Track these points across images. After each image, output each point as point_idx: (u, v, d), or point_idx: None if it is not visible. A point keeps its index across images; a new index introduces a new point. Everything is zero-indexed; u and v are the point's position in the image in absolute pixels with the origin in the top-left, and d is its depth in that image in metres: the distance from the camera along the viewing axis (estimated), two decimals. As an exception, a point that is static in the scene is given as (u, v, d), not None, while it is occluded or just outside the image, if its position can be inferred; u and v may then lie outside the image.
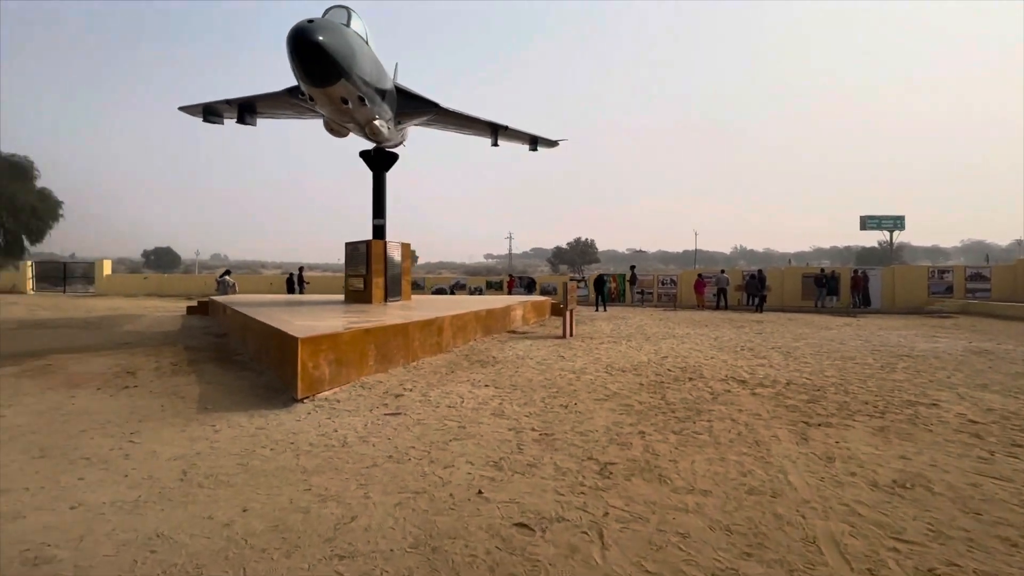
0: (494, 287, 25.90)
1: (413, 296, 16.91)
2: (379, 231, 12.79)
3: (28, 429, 4.20)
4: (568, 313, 10.52)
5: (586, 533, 2.58)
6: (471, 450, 3.81)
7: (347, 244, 12.28)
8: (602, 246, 76.61)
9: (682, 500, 2.95)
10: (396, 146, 14.54)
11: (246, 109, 10.66)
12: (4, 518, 2.71)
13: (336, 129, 8.92)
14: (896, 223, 41.48)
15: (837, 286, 20.14)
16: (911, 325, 13.66)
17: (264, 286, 27.02)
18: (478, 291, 25.79)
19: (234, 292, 19.17)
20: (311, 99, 8.10)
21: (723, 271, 21.04)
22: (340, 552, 2.39)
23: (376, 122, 8.90)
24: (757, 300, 18.93)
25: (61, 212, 42.17)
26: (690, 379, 6.36)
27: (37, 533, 2.55)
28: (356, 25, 8.44)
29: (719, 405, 5.12)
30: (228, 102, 10.63)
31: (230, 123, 12.30)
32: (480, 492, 3.05)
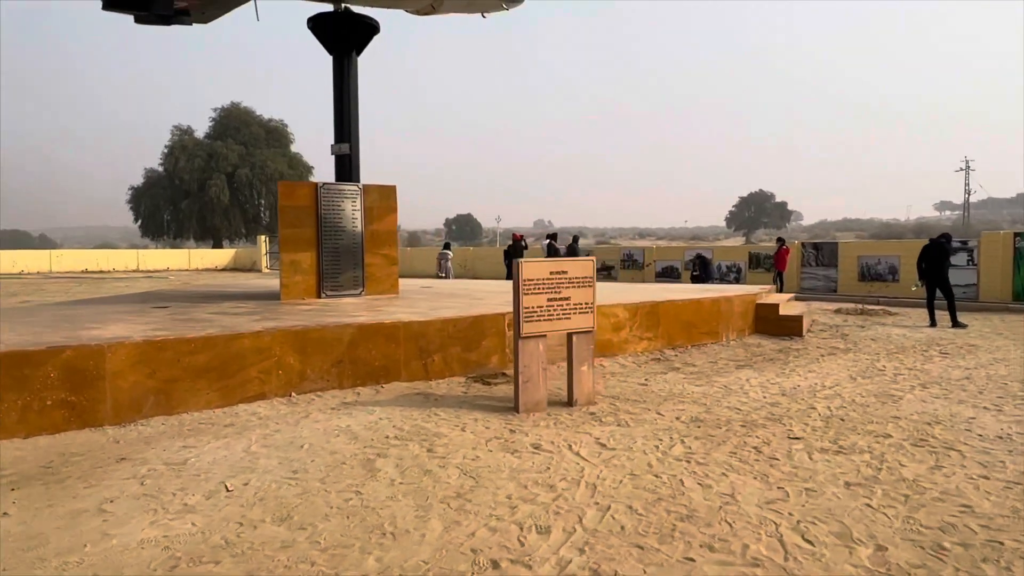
0: (764, 264, 19.90)
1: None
2: (343, 166, 10.13)
3: None
4: (532, 346, 5.59)
5: None
6: None
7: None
8: None
9: None
10: (423, 9, 11.39)
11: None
12: None
13: None
14: None
15: None
16: None
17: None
18: (735, 270, 20.49)
19: (448, 273, 20.57)
20: None
21: None
22: None
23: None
24: None
25: (312, 178, 54.51)
26: None
27: None
28: None
29: None
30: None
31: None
32: None
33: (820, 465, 4.31)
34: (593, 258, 6.10)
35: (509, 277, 21.00)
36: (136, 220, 51.12)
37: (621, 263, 23.48)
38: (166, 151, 47.75)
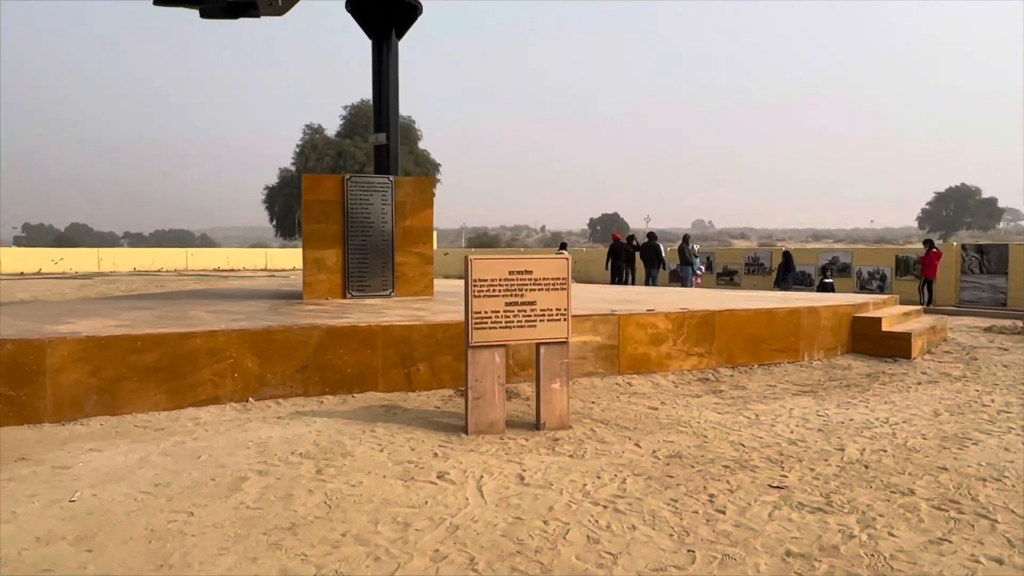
0: (914, 271, 17.93)
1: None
2: (381, 156, 10.21)
3: None
4: (486, 358, 5.21)
5: None
6: None
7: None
8: None
9: None
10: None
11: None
12: None
13: None
14: None
15: None
16: None
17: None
18: (878, 277, 18.70)
19: None
20: None
21: None
22: None
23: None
24: None
25: (439, 177, 56.15)
26: None
27: None
28: None
29: None
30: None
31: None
32: None
33: (773, 525, 3.58)
34: (568, 256, 5.59)
35: (614, 281, 20.41)
36: (271, 220, 55.27)
37: (745, 268, 21.96)
38: (297, 150, 51.29)
